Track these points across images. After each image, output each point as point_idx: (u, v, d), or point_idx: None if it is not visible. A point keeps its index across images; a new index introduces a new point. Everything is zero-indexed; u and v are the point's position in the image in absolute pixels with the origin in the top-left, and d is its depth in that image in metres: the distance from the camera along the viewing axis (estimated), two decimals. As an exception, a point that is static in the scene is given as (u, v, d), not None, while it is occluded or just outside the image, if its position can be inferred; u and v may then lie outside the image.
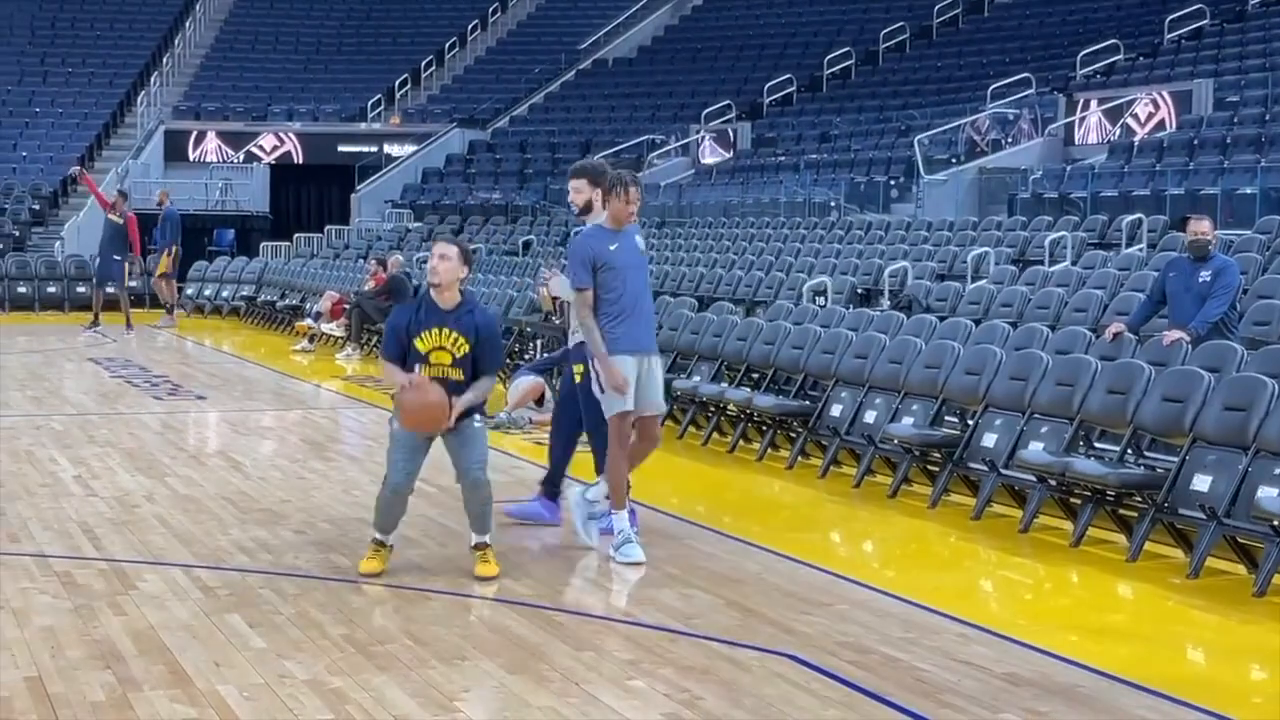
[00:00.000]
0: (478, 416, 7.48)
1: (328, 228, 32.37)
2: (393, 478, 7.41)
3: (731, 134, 31.27)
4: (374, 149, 35.45)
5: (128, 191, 24.66)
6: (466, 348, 7.39)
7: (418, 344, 7.39)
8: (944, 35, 33.61)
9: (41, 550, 8.02)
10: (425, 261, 8.64)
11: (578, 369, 8.51)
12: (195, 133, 35.83)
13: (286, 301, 24.64)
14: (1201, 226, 10.64)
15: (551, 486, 8.91)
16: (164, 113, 36.66)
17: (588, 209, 8.50)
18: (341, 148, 35.43)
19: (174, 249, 23.67)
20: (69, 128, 36.06)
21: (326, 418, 14.39)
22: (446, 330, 7.40)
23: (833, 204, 24.17)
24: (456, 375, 7.38)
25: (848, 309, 13.99)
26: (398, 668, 5.98)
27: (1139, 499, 8.33)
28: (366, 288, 19.94)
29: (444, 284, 7.42)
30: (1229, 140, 20.37)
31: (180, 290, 26.51)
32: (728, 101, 32.53)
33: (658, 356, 8.23)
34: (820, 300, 15.85)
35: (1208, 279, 10.35)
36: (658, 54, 38.37)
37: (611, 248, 8.11)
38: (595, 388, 8.11)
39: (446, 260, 7.42)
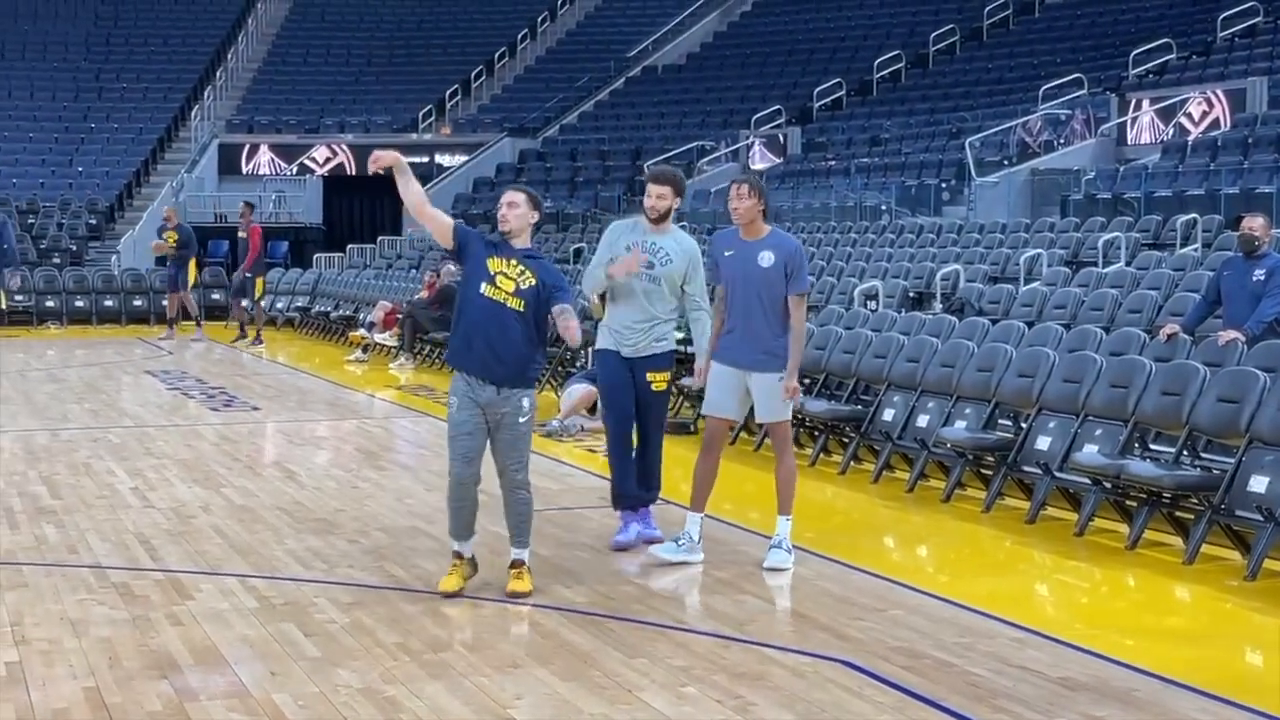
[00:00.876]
0: (523, 415, 7.23)
1: (380, 238, 32.55)
2: (454, 469, 7.23)
3: (782, 139, 31.22)
4: (425, 159, 35.56)
5: (254, 203, 24.40)
6: (532, 280, 7.22)
7: (489, 261, 7.26)
8: (994, 36, 33.44)
9: (99, 561, 8.10)
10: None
11: (660, 377, 8.40)
12: (248, 146, 36.11)
13: (340, 312, 24.76)
14: (1254, 223, 10.55)
15: (635, 500, 8.58)
16: (217, 126, 36.98)
17: (665, 216, 8.25)
18: (394, 159, 35.56)
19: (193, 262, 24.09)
20: (124, 143, 36.42)
21: (380, 427, 14.46)
22: (514, 261, 7.28)
23: (884, 207, 24.08)
24: (516, 304, 7.19)
25: (899, 313, 13.95)
26: (451, 675, 6.00)
27: (1195, 501, 8.27)
28: (419, 297, 20.03)
29: (514, 230, 7.36)
30: (1284, 138, 20.17)
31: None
32: (777, 106, 32.46)
33: (768, 375, 7.88)
34: (872, 304, 15.79)
35: (1261, 278, 10.26)
36: (707, 60, 38.36)
37: (727, 253, 8.00)
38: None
39: (515, 207, 7.38)
